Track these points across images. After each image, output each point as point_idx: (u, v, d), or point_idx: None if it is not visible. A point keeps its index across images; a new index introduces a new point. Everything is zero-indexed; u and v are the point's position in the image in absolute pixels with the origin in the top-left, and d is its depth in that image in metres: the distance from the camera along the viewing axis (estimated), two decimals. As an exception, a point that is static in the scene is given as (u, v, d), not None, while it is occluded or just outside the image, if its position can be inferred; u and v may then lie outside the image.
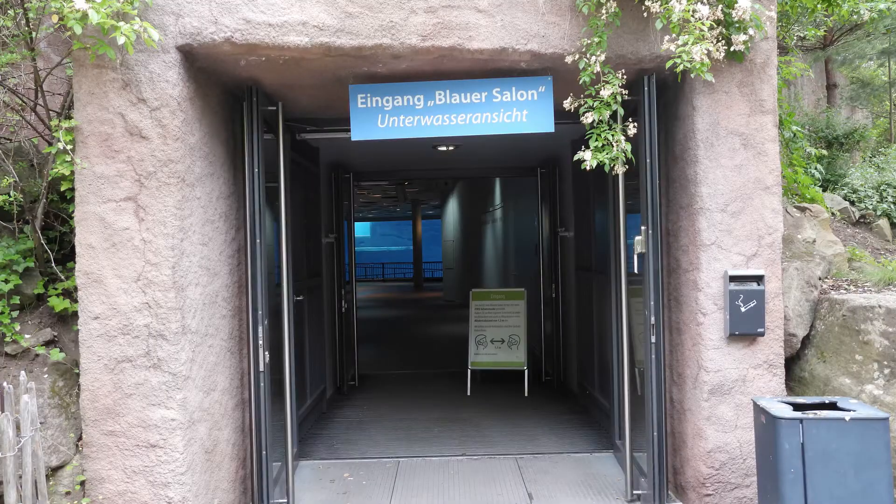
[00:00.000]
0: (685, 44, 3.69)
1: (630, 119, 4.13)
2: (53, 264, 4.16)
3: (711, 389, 4.29)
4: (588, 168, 4.00)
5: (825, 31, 10.34)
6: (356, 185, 9.69)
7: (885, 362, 4.16)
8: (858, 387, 4.23)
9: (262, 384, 4.37)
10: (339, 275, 8.23)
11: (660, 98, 4.52)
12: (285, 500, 4.64)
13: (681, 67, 3.72)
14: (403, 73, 4.34)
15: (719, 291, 4.28)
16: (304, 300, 6.24)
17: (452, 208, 20.73)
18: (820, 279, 4.86)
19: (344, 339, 8.31)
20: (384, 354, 11.07)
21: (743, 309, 4.22)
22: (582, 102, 4.05)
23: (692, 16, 3.71)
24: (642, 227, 4.40)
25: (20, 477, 3.34)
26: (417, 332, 13.70)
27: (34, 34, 4.20)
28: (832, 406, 3.61)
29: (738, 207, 4.27)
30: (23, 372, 3.56)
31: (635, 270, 4.47)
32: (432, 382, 8.62)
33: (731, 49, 4.04)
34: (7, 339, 3.99)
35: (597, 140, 4.01)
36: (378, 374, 9.32)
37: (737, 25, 3.97)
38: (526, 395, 7.75)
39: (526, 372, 8.02)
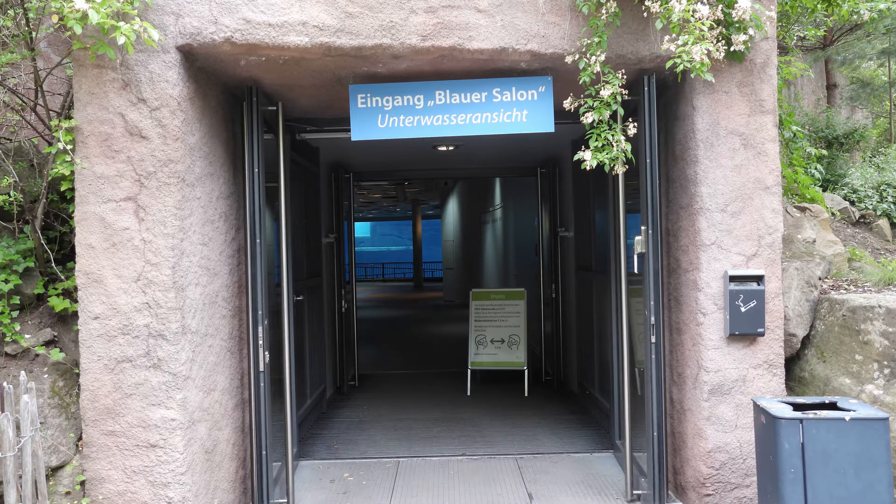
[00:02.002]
0: (685, 44, 3.69)
1: (630, 119, 4.13)
2: (53, 264, 4.16)
3: (711, 389, 4.29)
4: (588, 168, 4.00)
5: (825, 31, 10.34)
6: (356, 185, 9.70)
7: (885, 362, 4.16)
8: (858, 387, 4.23)
9: (262, 384, 4.37)
10: (339, 275, 8.23)
11: (660, 98, 4.52)
12: (285, 500, 4.64)
13: (681, 67, 3.72)
14: (403, 73, 4.34)
15: (719, 291, 4.28)
16: (304, 300, 6.24)
17: (452, 208, 20.73)
18: (820, 279, 4.86)
19: (344, 339, 8.31)
20: (384, 354, 11.07)
21: (743, 309, 4.22)
22: (582, 102, 4.05)
23: (692, 16, 3.71)
24: (642, 227, 4.40)
25: (20, 477, 3.34)
26: (417, 332, 13.70)
27: (34, 34, 4.20)
28: (832, 406, 3.60)
29: (738, 207, 4.27)
30: (23, 372, 3.56)
31: (635, 270, 4.47)
32: (432, 382, 8.62)
33: (731, 49, 4.04)
34: (7, 339, 3.99)
35: (597, 140, 4.01)
36: (378, 374, 9.32)
37: (737, 25, 3.97)
38: (526, 395, 7.76)
39: (526, 372, 8.02)
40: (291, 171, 5.07)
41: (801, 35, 9.14)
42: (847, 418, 3.39)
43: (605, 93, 3.94)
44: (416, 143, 6.40)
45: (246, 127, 4.41)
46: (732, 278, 4.24)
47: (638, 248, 4.41)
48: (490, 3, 4.02)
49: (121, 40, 3.39)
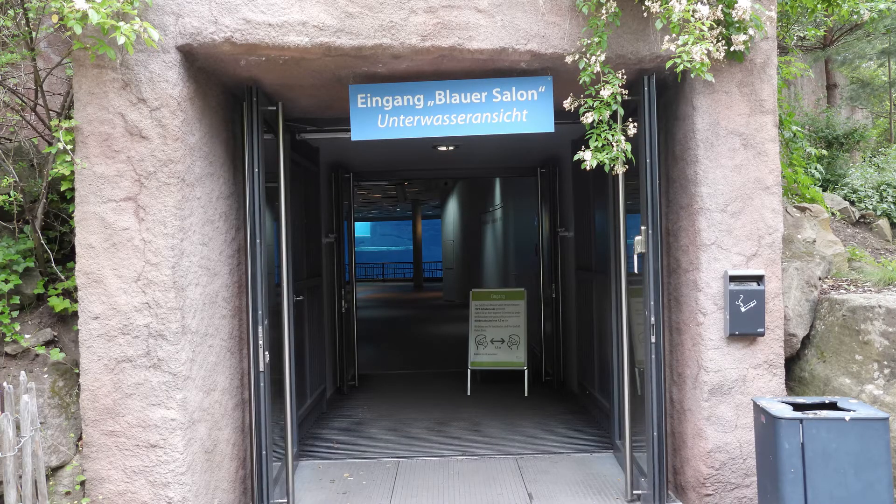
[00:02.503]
0: (685, 44, 3.69)
1: (630, 119, 4.13)
2: (53, 264, 4.16)
3: (711, 389, 4.29)
4: (588, 168, 4.00)
5: (825, 31, 10.35)
6: (356, 185, 9.70)
7: (885, 362, 4.16)
8: (858, 387, 4.23)
9: (262, 384, 4.37)
10: (339, 275, 8.23)
11: (660, 98, 4.52)
12: (285, 500, 4.64)
13: (681, 67, 3.72)
14: (403, 73, 4.34)
15: (719, 291, 4.28)
16: (304, 300, 6.24)
17: (452, 208, 20.73)
18: (820, 279, 4.86)
19: (344, 339, 8.31)
20: (384, 354, 11.07)
21: (743, 309, 4.22)
22: (582, 102, 4.04)
23: (692, 16, 3.71)
24: (642, 227, 4.40)
25: (20, 477, 3.34)
26: (417, 332, 13.70)
27: (34, 34, 4.20)
28: (832, 406, 3.60)
29: (738, 207, 4.27)
30: (23, 372, 3.56)
31: (635, 270, 4.47)
32: (432, 382, 8.62)
33: (731, 49, 4.04)
34: (7, 339, 3.99)
35: (597, 140, 4.01)
36: (378, 374, 9.32)
37: (737, 25, 3.97)
38: (526, 395, 7.76)
39: (526, 372, 8.02)
40: (291, 171, 5.07)
41: (801, 35, 9.15)
42: (847, 418, 3.39)
43: (605, 93, 3.94)
44: (416, 143, 6.40)
45: (246, 127, 4.41)
46: (732, 278, 4.24)
47: (638, 248, 4.41)
48: (490, 3, 4.02)
49: (121, 40, 3.39)
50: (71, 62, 4.01)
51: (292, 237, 5.01)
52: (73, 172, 3.82)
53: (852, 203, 7.33)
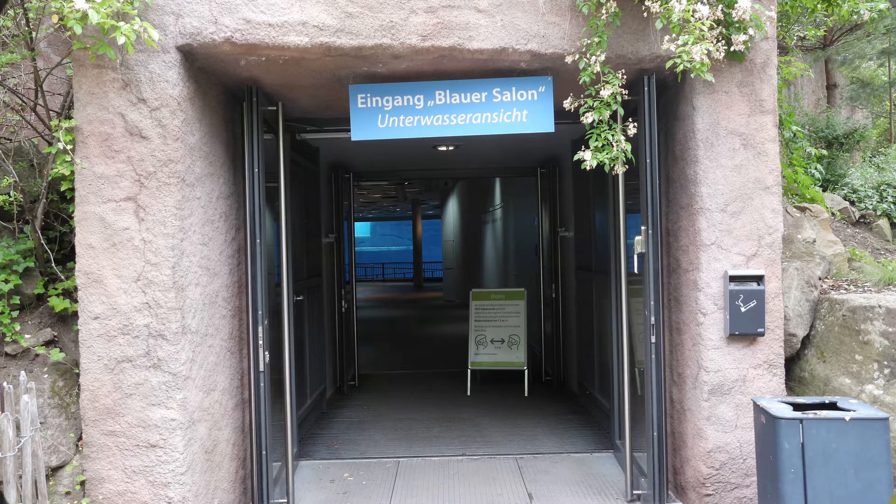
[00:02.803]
0: (685, 44, 3.69)
1: (630, 119, 4.13)
2: (53, 264, 4.16)
3: (711, 389, 4.29)
4: (588, 168, 4.00)
5: (825, 31, 10.34)
6: (356, 185, 9.70)
7: (885, 362, 4.16)
8: (858, 387, 4.23)
9: (262, 384, 4.37)
10: (339, 275, 8.23)
11: (660, 98, 4.52)
12: (285, 500, 4.64)
13: (681, 67, 3.72)
14: (403, 73, 4.34)
15: (719, 291, 4.28)
16: (304, 300, 6.24)
17: (452, 208, 20.73)
18: (820, 279, 4.86)
19: (344, 338, 8.31)
20: (384, 354, 11.07)
21: (743, 309, 4.22)
22: (582, 102, 4.05)
23: (692, 16, 3.71)
24: (642, 227, 4.40)
25: (20, 477, 3.34)
26: (417, 332, 13.70)
27: (34, 34, 4.20)
28: (832, 406, 3.60)
29: (738, 207, 4.27)
30: (23, 372, 3.56)
31: (635, 270, 4.47)
32: (432, 382, 8.62)
33: (731, 49, 4.04)
34: (7, 339, 3.99)
35: (597, 140, 4.01)
36: (378, 374, 9.32)
37: (737, 25, 3.97)
38: (526, 395, 7.75)
39: (526, 372, 8.01)
40: (291, 171, 5.07)
41: (801, 35, 9.15)
42: (847, 418, 3.39)
43: (605, 93, 3.94)
44: (416, 143, 6.40)
45: (246, 127, 4.41)
46: (732, 278, 4.24)
47: (638, 248, 4.41)
48: (490, 3, 4.02)
49: (121, 40, 3.39)
50: (71, 62, 4.01)
51: (292, 237, 5.01)
52: (73, 172, 3.82)
53: (852, 203, 7.33)
